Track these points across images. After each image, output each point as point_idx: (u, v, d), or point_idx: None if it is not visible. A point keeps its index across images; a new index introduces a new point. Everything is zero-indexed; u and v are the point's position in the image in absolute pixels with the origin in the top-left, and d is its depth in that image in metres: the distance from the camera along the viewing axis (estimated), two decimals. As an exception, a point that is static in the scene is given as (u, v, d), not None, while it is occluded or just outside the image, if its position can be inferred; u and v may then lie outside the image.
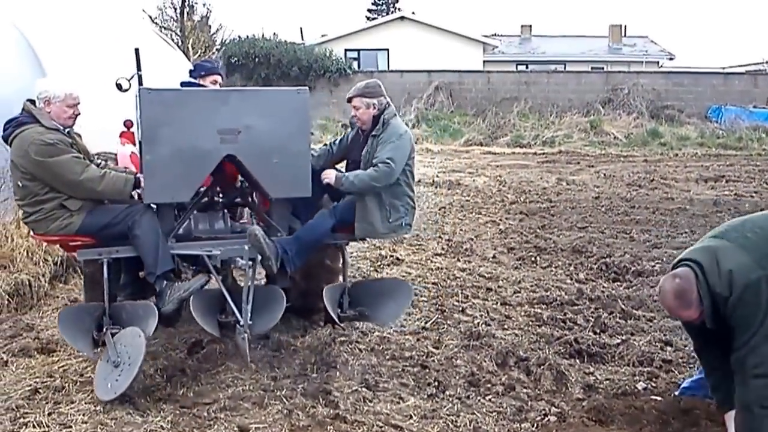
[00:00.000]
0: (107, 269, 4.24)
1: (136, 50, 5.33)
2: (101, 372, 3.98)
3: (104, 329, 4.17)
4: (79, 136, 4.54)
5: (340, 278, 5.04)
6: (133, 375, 3.80)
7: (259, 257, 4.18)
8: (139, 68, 5.19)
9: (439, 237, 8.15)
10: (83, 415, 3.70)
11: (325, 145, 5.15)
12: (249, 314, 4.12)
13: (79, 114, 4.43)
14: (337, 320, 4.64)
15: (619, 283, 6.24)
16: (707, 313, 3.02)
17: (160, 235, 4.24)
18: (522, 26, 39.42)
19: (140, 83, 5.36)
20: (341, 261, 4.95)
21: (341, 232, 4.69)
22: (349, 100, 4.79)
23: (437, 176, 13.39)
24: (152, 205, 4.35)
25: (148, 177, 4.15)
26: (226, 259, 4.29)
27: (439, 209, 10.03)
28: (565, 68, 29.74)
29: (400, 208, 4.62)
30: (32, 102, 4.35)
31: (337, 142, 5.05)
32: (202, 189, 4.61)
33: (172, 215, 4.54)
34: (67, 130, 4.35)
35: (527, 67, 30.75)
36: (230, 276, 4.57)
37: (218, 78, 5.42)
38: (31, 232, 4.62)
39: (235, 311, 4.18)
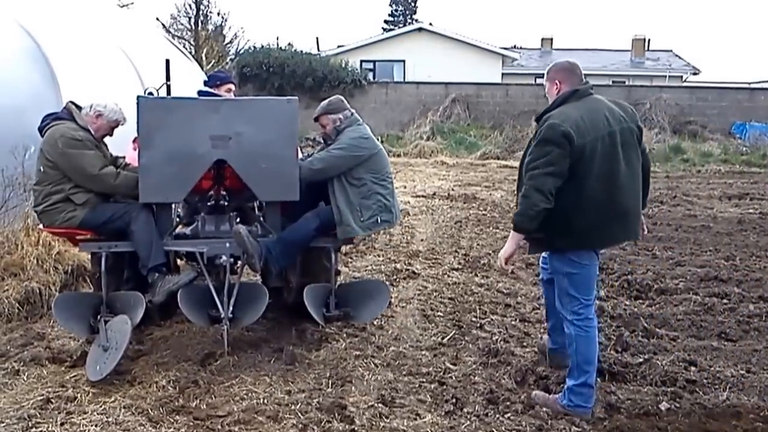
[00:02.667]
0: (105, 262, 4.62)
1: (167, 61, 5.51)
2: (93, 355, 4.33)
3: (99, 316, 4.56)
4: (105, 145, 4.99)
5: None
6: (118, 358, 4.17)
7: (244, 255, 4.55)
8: (168, 78, 5.38)
9: (456, 251, 8.06)
10: (96, 426, 3.66)
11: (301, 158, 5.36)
12: (231, 308, 4.49)
13: (112, 136, 4.97)
14: (321, 320, 4.82)
15: (641, 301, 6.13)
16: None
17: (155, 232, 4.64)
18: (543, 39, 39.41)
19: (168, 92, 5.50)
20: (333, 262, 5.10)
21: (329, 235, 4.89)
22: (317, 119, 5.07)
23: (453, 189, 13.33)
24: (153, 206, 4.71)
25: (143, 178, 4.49)
26: (212, 256, 4.66)
27: (455, 223, 9.95)
28: (585, 82, 29.53)
29: (371, 206, 4.84)
30: (76, 105, 4.86)
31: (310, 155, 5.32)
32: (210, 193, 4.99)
33: (171, 216, 4.97)
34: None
35: (547, 81, 30.60)
36: (222, 274, 4.74)
37: (232, 87, 5.67)
38: (40, 226, 5.03)
39: (218, 305, 4.48)
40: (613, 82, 29.95)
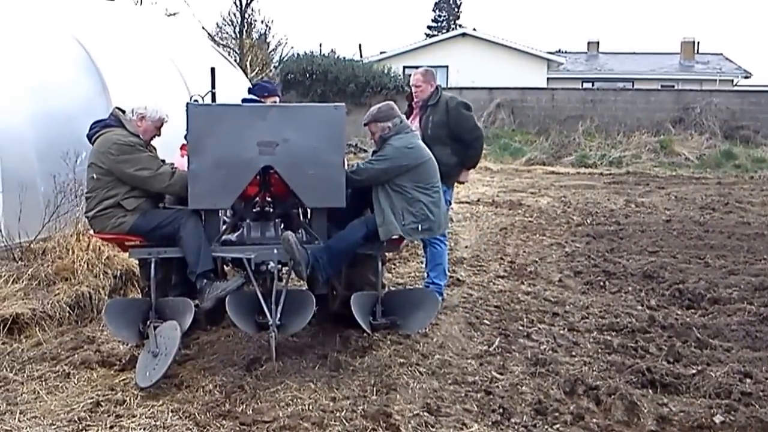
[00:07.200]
0: (155, 268, 4.65)
1: (212, 69, 5.55)
2: (142, 361, 4.36)
3: (148, 322, 4.57)
4: (155, 148, 5.02)
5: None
6: (168, 364, 4.16)
7: (291, 262, 4.53)
8: (213, 86, 5.42)
9: (501, 258, 7.98)
10: (144, 429, 3.70)
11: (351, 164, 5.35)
12: (278, 315, 4.43)
13: (160, 135, 5.00)
14: (368, 329, 4.74)
15: (693, 311, 5.97)
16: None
17: (203, 237, 4.65)
18: (589, 43, 38.88)
19: (214, 100, 5.55)
20: (380, 271, 5.02)
21: (376, 242, 4.82)
22: (366, 125, 5.03)
23: (497, 196, 13.22)
24: (201, 213, 4.73)
25: (192, 184, 4.51)
26: (259, 263, 4.63)
27: (500, 230, 9.84)
28: (633, 86, 29.03)
29: (414, 213, 4.78)
30: (121, 110, 4.90)
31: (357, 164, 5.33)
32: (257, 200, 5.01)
33: (218, 222, 4.96)
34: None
35: (593, 85, 30.19)
36: (269, 280, 4.70)
37: (277, 99, 5.70)
38: (91, 231, 5.09)
39: (266, 312, 4.45)
40: (661, 86, 29.38)
